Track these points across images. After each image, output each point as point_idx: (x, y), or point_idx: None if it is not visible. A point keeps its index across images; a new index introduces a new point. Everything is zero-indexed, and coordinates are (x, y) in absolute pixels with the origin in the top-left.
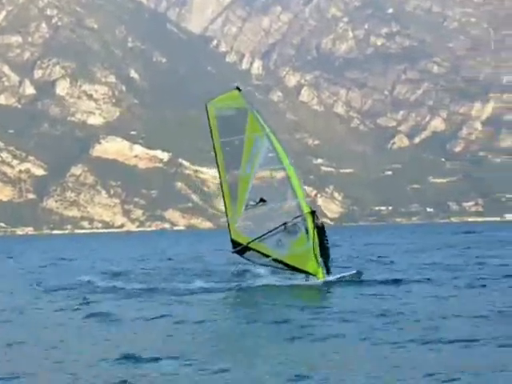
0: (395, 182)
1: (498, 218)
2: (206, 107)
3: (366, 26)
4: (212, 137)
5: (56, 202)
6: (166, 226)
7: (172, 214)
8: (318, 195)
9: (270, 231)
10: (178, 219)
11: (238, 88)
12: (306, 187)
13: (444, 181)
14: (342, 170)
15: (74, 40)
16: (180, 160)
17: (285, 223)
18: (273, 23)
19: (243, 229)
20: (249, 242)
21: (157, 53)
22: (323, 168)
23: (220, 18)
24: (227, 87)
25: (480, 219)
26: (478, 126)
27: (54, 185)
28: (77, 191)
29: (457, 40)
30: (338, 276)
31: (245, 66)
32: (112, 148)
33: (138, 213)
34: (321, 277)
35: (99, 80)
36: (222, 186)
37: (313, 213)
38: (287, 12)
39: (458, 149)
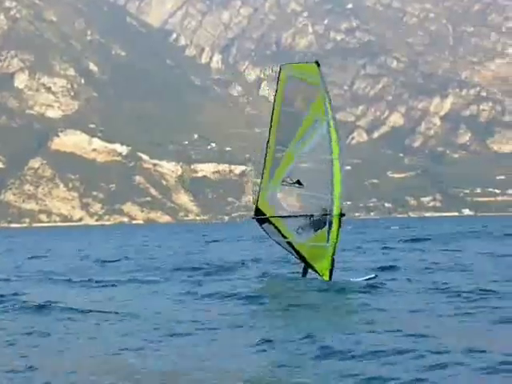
0: (354, 177)
1: (456, 213)
2: (280, 68)
3: (326, 21)
4: (274, 99)
5: (14, 195)
6: (125, 219)
7: (130, 208)
8: (277, 189)
9: (296, 216)
10: (136, 213)
11: (317, 62)
12: None
13: (402, 176)
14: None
15: (32, 32)
16: (139, 154)
17: (312, 215)
18: (233, 17)
19: (271, 201)
20: (272, 216)
21: (116, 46)
22: None
23: (180, 12)
24: (187, 81)
25: (438, 214)
26: (437, 121)
27: (12, 178)
28: (35, 184)
29: (416, 35)
30: (360, 279)
31: (204, 59)
32: (70, 141)
33: (96, 206)
34: (327, 279)
35: (58, 73)
36: (266, 152)
37: (342, 215)
38: (247, 6)
39: (416, 144)
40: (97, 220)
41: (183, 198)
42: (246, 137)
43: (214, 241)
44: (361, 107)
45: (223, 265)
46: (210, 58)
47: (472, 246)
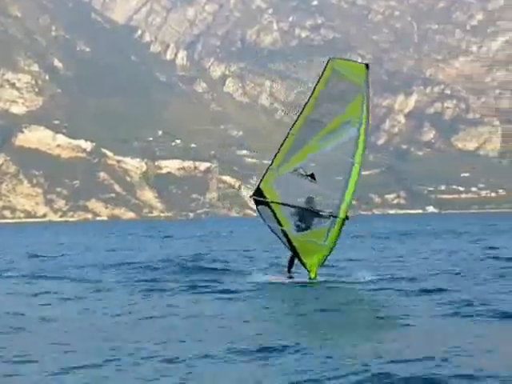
0: (320, 174)
1: (420, 211)
2: (328, 61)
3: (291, 18)
4: (314, 88)
5: None
6: (89, 216)
7: (95, 205)
8: (242, 186)
9: (304, 208)
10: (100, 210)
11: (367, 65)
12: (229, 178)
13: (367, 173)
14: (265, 162)
15: None
16: (103, 150)
17: (318, 212)
18: (198, 14)
19: (277, 185)
20: (272, 202)
21: (81, 42)
22: (247, 159)
23: (144, 8)
24: (152, 77)
25: (402, 211)
26: (401, 118)
27: None
28: None
29: (380, 33)
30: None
31: (169, 56)
32: (35, 137)
33: (60, 203)
34: (313, 276)
35: (22, 69)
36: (287, 136)
37: (346, 218)
38: (212, 3)
39: (380, 141)
40: (61, 216)
41: (147, 195)
42: (211, 133)
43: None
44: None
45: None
46: (175, 55)
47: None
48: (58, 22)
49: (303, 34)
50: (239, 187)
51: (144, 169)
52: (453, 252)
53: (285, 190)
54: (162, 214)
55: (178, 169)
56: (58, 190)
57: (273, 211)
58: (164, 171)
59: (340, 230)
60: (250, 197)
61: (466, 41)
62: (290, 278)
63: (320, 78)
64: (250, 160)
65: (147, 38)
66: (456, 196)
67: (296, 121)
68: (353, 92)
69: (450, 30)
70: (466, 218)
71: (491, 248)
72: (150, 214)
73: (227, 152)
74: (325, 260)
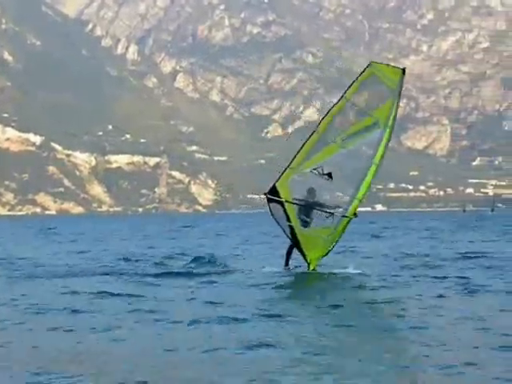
0: (268, 171)
1: (368, 209)
2: (368, 65)
3: (243, 15)
4: (348, 88)
5: None
6: (38, 210)
7: (43, 198)
8: (192, 182)
9: (317, 208)
10: (49, 204)
11: (403, 70)
12: (178, 173)
13: None
14: (215, 158)
15: None
16: (53, 144)
17: (332, 213)
18: (149, 9)
19: (293, 183)
20: (287, 201)
21: (31, 35)
22: (197, 155)
23: (96, 2)
24: (102, 72)
25: None
26: None
27: None
28: None
29: (332, 31)
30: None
31: (120, 50)
32: None
33: (8, 196)
34: (312, 268)
35: None
36: (312, 134)
37: (355, 215)
38: None
39: None
40: (9, 210)
41: (97, 189)
42: (161, 129)
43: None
44: (276, 101)
45: None
46: (126, 49)
47: None
48: (8, 14)
49: (255, 31)
50: (189, 183)
51: (93, 163)
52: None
53: (300, 187)
54: (110, 209)
55: (128, 164)
56: (7, 183)
57: (284, 209)
58: (113, 166)
59: (345, 227)
60: (264, 194)
61: (416, 40)
62: (289, 270)
63: (357, 78)
64: (199, 156)
65: (98, 32)
66: (404, 194)
67: (322, 119)
68: (385, 95)
69: (400, 29)
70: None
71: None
72: (99, 209)
73: (177, 147)
74: (326, 254)
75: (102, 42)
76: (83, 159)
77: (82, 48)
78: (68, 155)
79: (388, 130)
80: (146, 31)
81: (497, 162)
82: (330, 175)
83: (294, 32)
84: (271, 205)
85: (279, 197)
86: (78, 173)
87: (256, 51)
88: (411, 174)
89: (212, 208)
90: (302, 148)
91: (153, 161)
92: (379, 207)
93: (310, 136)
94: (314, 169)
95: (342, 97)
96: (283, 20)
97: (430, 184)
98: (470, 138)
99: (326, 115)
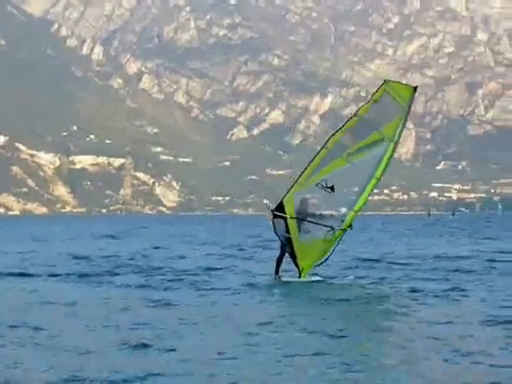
0: (233, 173)
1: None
2: (383, 83)
3: (208, 17)
4: (362, 106)
5: None
6: (1, 210)
7: (7, 199)
8: (156, 183)
9: (318, 223)
10: (12, 204)
11: (415, 88)
12: (143, 175)
13: (281, 173)
14: (180, 159)
15: None
16: (17, 144)
17: (332, 227)
18: (115, 9)
19: (298, 199)
20: (291, 217)
21: None
22: (162, 156)
23: (61, 2)
24: (67, 72)
25: None
26: (316, 119)
27: None
28: None
29: (298, 34)
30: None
31: (85, 51)
32: None
33: None
34: (302, 276)
35: None
36: (321, 149)
37: (350, 227)
38: None
39: (295, 141)
40: None
41: (61, 190)
42: (126, 130)
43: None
44: (241, 103)
45: None
46: (91, 50)
47: None
48: None
49: (220, 33)
50: (153, 184)
51: (58, 164)
52: None
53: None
54: (74, 210)
55: (92, 164)
56: None
57: (286, 223)
58: (78, 167)
59: (340, 237)
60: (271, 210)
61: (382, 44)
62: (279, 279)
63: (372, 97)
64: (164, 157)
65: (64, 32)
66: (369, 198)
67: (332, 136)
68: (395, 112)
69: (366, 32)
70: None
71: None
72: (62, 210)
73: (142, 149)
74: (318, 265)
75: (67, 43)
76: (47, 160)
77: (47, 48)
78: (32, 155)
79: (392, 144)
80: (111, 32)
81: (460, 167)
82: (332, 188)
83: (260, 34)
84: (275, 220)
85: (284, 213)
86: (41, 173)
87: (222, 53)
88: None
89: (176, 210)
90: (310, 163)
91: (117, 162)
92: (343, 210)
93: (319, 152)
94: (319, 183)
95: (354, 115)
96: (249, 22)
97: (394, 188)
98: (435, 142)
99: (336, 131)
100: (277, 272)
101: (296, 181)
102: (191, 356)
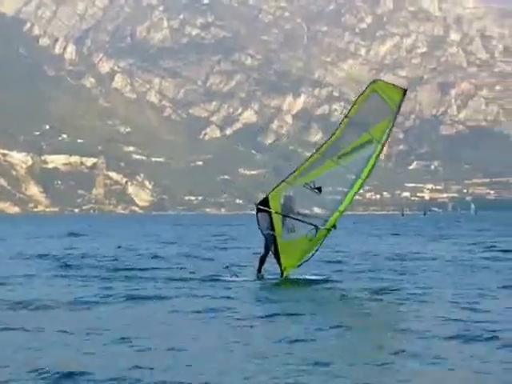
0: (206, 173)
1: (307, 211)
2: (372, 82)
3: (182, 16)
4: (350, 109)
5: None
6: None
7: None
8: (129, 183)
9: (303, 221)
10: None
11: (405, 91)
12: (115, 174)
13: (254, 173)
14: (153, 159)
15: None
16: None
17: (316, 226)
18: (88, 8)
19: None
20: (276, 212)
21: None
22: (134, 156)
23: (34, 1)
24: (40, 71)
25: None
26: (289, 119)
27: None
28: None
29: (270, 33)
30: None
31: (58, 50)
32: None
33: None
34: (285, 274)
35: None
36: (313, 154)
37: (333, 227)
38: None
39: (268, 141)
40: None
41: (33, 190)
42: (98, 129)
43: None
44: (214, 103)
45: None
46: (64, 49)
47: None
48: None
49: (193, 32)
50: (126, 183)
51: (30, 163)
52: None
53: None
54: (47, 209)
55: (65, 164)
56: None
57: (271, 219)
58: (50, 166)
59: (324, 237)
60: (255, 203)
61: (354, 43)
62: (261, 277)
63: (359, 98)
64: (137, 156)
65: (36, 31)
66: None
67: (325, 143)
68: (384, 114)
69: (339, 32)
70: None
71: None
72: (35, 209)
73: (114, 148)
74: (301, 264)
75: (39, 42)
76: (20, 159)
77: (19, 47)
78: (4, 155)
79: (380, 146)
80: (84, 31)
81: (433, 167)
82: (320, 189)
83: (233, 34)
84: (259, 215)
85: (269, 207)
86: (14, 172)
87: (195, 53)
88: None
89: (149, 209)
90: (301, 165)
91: (90, 161)
92: (316, 210)
93: (311, 156)
94: (307, 183)
95: (346, 116)
96: (222, 22)
97: (366, 187)
98: (407, 142)
99: (330, 137)
100: (259, 270)
101: (284, 179)
102: None
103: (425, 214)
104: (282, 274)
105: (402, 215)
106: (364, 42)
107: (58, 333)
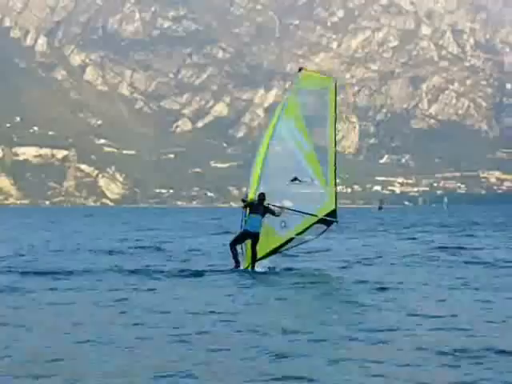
0: (177, 165)
1: (277, 204)
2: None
3: (153, 8)
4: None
5: None
6: None
7: None
8: (100, 175)
9: (302, 213)
10: None
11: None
12: (86, 167)
13: (225, 166)
14: (124, 151)
15: None
16: None
17: (285, 222)
18: (59, 0)
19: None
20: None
21: None
22: (105, 148)
23: None
24: (10, 63)
25: None
26: (261, 112)
27: None
28: None
29: (242, 26)
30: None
31: (29, 42)
32: None
33: None
34: (246, 266)
35: None
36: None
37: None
38: None
39: (240, 134)
40: None
41: (3, 182)
42: (70, 121)
43: None
44: (186, 96)
45: None
46: (35, 41)
47: None
48: None
49: (165, 25)
50: (97, 176)
51: (0, 155)
52: None
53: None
54: (18, 202)
55: (35, 156)
56: None
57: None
58: (21, 158)
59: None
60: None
61: (326, 37)
62: (237, 267)
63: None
64: (108, 149)
65: (7, 23)
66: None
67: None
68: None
69: (310, 26)
70: None
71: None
72: (5, 202)
73: (85, 140)
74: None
75: (10, 33)
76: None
77: None
78: None
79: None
80: (55, 23)
81: (404, 160)
82: (296, 179)
83: (205, 27)
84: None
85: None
86: None
87: (166, 45)
88: None
89: (120, 202)
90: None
91: (61, 153)
92: (287, 203)
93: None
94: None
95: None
96: (194, 15)
97: (337, 181)
98: (378, 136)
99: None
100: (237, 263)
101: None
102: None
103: (380, 209)
104: (252, 267)
105: (379, 208)
106: (336, 36)
107: None
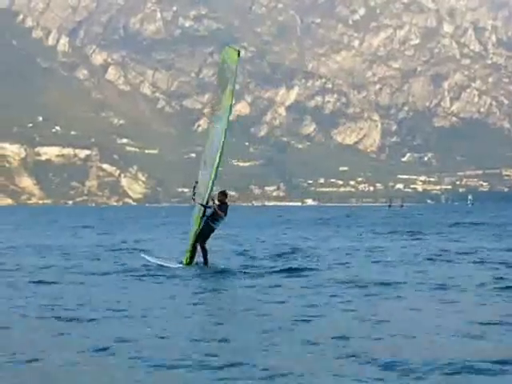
0: (199, 165)
1: (299, 203)
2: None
3: (175, 8)
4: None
5: None
6: None
7: None
8: (122, 175)
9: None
10: None
11: (239, 53)
12: (109, 166)
13: (247, 165)
14: (146, 151)
15: None
16: None
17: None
18: (81, 0)
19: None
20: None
21: None
22: (128, 148)
23: None
24: (33, 63)
25: (281, 203)
26: (282, 111)
27: None
28: None
29: (264, 25)
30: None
31: (51, 42)
32: None
33: None
34: (185, 262)
35: None
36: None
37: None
38: None
39: (261, 133)
40: None
41: (26, 181)
42: (92, 121)
43: None
44: (207, 95)
45: None
46: (57, 41)
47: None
48: None
49: (187, 24)
50: (119, 176)
51: (23, 155)
52: None
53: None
54: (40, 201)
55: (58, 156)
56: None
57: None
58: (43, 158)
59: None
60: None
61: (347, 35)
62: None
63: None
64: (130, 148)
65: (29, 23)
66: (335, 189)
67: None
68: (229, 80)
69: (332, 24)
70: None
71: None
72: (28, 201)
73: (108, 140)
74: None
75: (32, 34)
76: (13, 151)
77: (12, 39)
78: None
79: (227, 115)
80: (77, 23)
81: (426, 158)
82: (205, 163)
83: (226, 26)
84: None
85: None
86: (7, 164)
87: (188, 45)
88: (341, 169)
89: (142, 201)
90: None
91: (83, 153)
92: (310, 201)
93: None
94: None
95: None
96: (215, 14)
97: (359, 179)
98: (400, 134)
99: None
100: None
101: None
102: None
103: (389, 207)
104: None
105: (389, 206)
106: (357, 34)
107: None
